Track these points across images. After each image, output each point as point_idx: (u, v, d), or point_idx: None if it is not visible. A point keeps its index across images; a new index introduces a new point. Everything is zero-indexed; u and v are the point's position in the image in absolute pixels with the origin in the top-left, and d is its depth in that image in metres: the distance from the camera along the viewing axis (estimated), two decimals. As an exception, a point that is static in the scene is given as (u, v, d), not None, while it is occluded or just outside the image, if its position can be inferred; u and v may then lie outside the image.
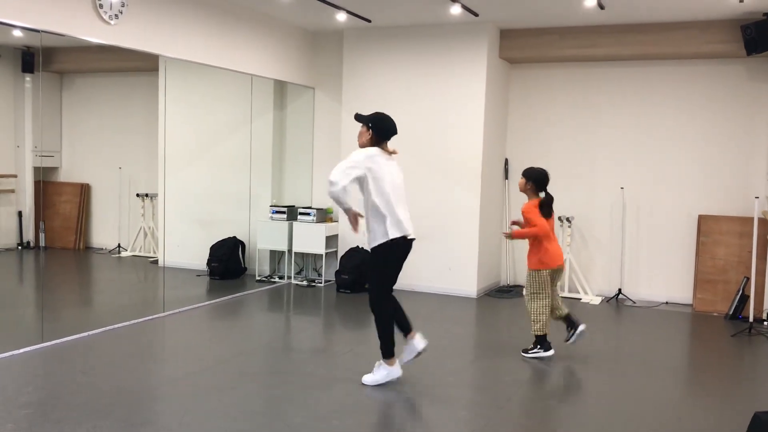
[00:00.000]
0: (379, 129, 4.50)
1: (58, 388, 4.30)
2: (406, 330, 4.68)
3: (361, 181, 4.43)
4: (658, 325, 6.58)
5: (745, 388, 4.82)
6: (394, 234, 4.41)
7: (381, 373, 4.59)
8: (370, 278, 4.65)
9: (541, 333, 5.31)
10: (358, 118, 4.58)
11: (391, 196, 4.44)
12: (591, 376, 5.01)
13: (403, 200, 4.56)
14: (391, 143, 4.63)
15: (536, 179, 5.35)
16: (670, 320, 6.82)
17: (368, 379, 4.59)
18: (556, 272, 5.36)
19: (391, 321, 4.59)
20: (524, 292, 5.46)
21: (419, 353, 4.67)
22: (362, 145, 4.54)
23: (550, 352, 5.33)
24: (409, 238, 4.53)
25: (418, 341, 4.66)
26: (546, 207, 5.32)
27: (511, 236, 5.45)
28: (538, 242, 5.28)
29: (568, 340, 5.42)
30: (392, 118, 4.60)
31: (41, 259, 8.30)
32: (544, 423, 4.08)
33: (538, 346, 5.34)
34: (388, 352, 4.57)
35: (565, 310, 5.44)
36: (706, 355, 5.77)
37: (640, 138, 7.62)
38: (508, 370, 5.05)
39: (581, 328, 5.35)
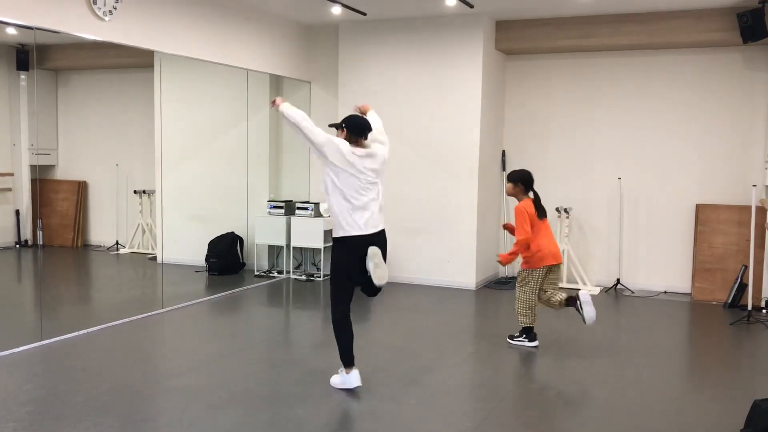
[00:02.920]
0: (352, 127, 4.61)
1: (58, 385, 4.30)
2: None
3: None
4: (657, 315, 6.60)
5: (744, 376, 4.83)
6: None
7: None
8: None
9: (527, 325, 5.41)
10: (332, 125, 4.76)
11: (349, 193, 4.35)
12: (591, 366, 5.02)
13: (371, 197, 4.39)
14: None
15: (524, 180, 5.34)
16: (668, 309, 6.83)
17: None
18: (551, 269, 5.33)
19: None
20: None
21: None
22: None
23: (535, 343, 5.40)
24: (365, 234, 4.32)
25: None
26: (540, 207, 5.31)
27: (501, 262, 5.43)
28: (527, 246, 5.25)
29: (584, 321, 5.20)
30: (364, 118, 4.64)
31: (39, 257, 8.30)
32: (545, 414, 4.09)
33: (524, 336, 5.45)
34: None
35: (564, 297, 5.31)
36: (705, 344, 5.78)
37: (637, 128, 7.62)
38: (508, 362, 5.06)
39: (582, 295, 5.16)
